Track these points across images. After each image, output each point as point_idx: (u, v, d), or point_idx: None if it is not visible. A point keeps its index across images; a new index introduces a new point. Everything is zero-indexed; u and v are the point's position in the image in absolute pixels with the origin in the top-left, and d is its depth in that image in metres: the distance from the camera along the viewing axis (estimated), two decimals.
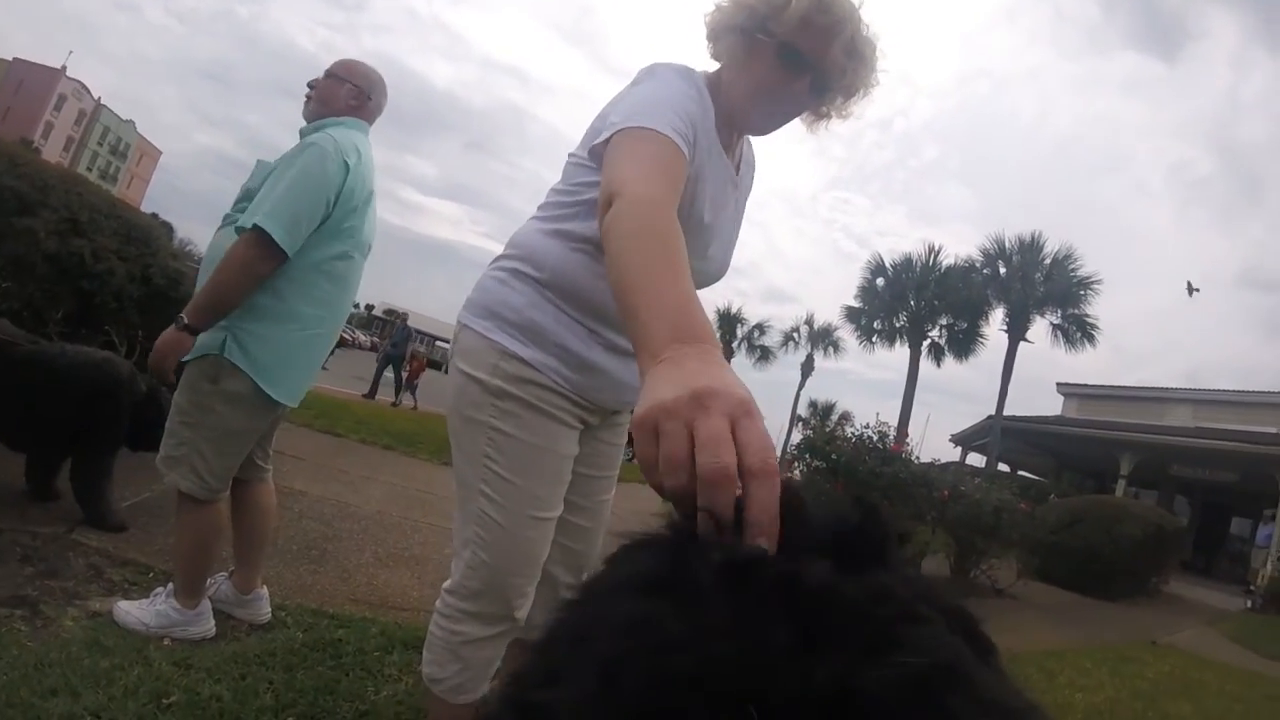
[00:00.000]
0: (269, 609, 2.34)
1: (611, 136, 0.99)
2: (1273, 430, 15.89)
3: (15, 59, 70.23)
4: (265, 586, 2.37)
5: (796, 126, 1.28)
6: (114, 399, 2.73)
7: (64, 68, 70.28)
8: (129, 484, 3.06)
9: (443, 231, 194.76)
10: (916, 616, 0.29)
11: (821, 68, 1.14)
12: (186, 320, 1.89)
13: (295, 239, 1.92)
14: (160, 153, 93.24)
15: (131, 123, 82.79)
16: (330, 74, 2.18)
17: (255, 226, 1.87)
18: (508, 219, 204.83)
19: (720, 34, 1.18)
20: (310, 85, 2.20)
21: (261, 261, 1.91)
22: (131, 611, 2.05)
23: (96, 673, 1.74)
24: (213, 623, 2.13)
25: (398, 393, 12.34)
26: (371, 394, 11.82)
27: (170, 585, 2.10)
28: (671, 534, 0.39)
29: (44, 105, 68.61)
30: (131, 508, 2.95)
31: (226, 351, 1.95)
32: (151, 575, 2.40)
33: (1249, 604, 11.28)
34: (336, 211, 2.01)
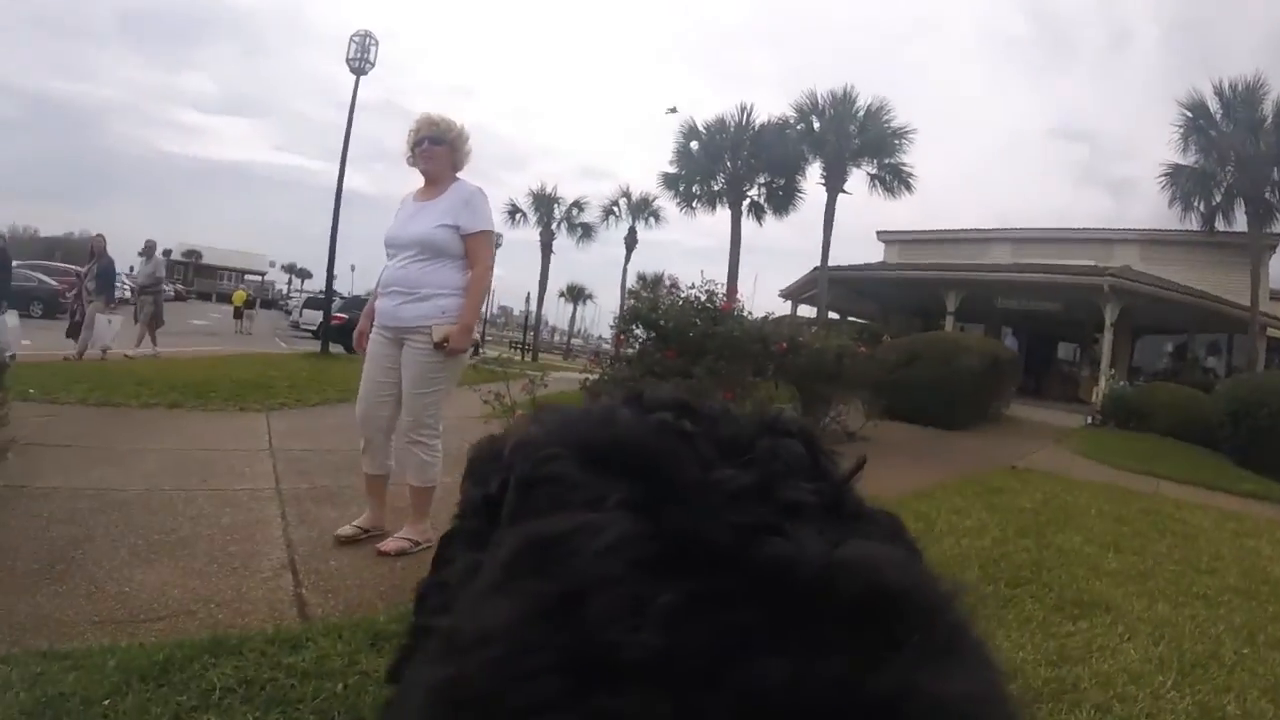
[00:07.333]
0: None
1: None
2: (1090, 263, 17.46)
3: None
4: None
5: None
6: None
7: None
8: None
9: (233, 153, 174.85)
10: None
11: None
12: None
13: None
14: None
15: None
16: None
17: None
18: (299, 126, 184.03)
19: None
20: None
21: None
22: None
23: None
24: None
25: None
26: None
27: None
28: None
29: None
30: None
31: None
32: None
33: (1088, 420, 12.53)
34: None
